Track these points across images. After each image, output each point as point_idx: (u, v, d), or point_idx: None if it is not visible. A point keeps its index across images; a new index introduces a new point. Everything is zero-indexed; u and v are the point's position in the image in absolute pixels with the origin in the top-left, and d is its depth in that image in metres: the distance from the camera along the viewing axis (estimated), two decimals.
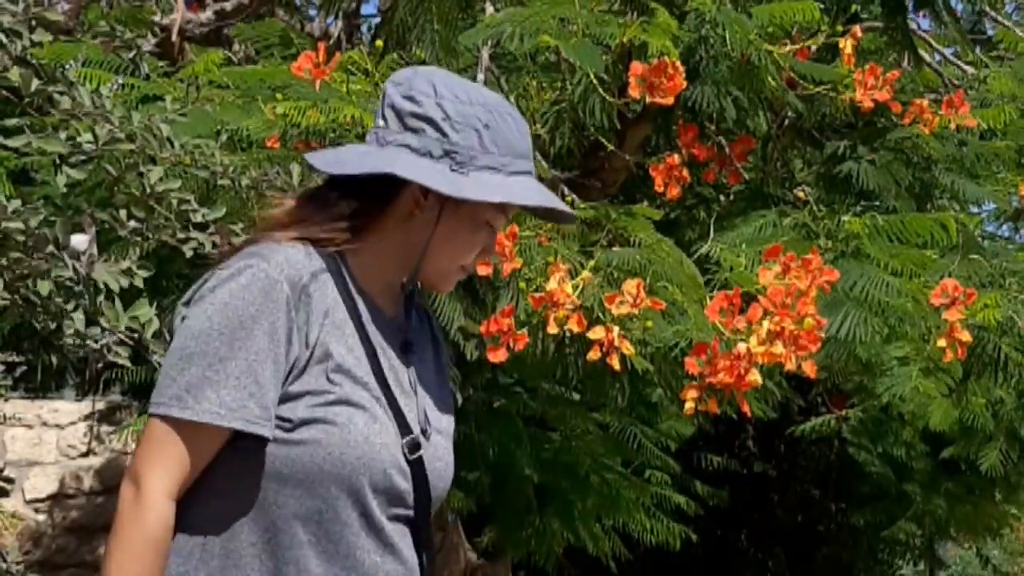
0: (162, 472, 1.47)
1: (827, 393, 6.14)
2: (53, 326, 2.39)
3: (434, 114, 1.56)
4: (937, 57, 5.00)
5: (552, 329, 3.11)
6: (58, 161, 2.45)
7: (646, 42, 3.49)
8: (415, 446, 1.57)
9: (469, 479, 4.74)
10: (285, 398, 1.51)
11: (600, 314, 3.15)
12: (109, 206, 2.68)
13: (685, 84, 3.49)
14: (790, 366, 3.07)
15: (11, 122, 2.46)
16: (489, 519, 5.13)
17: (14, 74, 2.39)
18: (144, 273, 2.54)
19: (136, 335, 2.43)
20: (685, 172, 3.86)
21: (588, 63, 3.50)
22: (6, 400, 4.14)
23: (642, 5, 3.70)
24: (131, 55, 3.45)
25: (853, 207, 4.18)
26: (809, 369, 3.10)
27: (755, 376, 3.04)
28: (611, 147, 3.91)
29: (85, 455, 6.98)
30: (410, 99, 1.58)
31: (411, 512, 1.59)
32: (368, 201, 1.59)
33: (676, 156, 3.86)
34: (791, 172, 4.82)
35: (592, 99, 3.69)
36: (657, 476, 5.41)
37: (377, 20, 5.53)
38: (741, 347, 3.03)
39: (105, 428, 6.78)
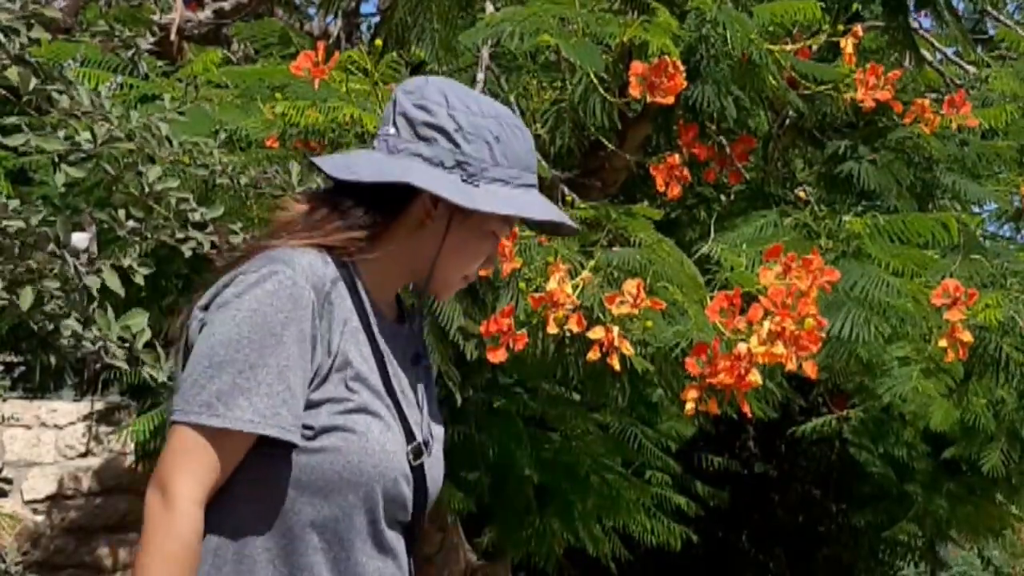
0: (191, 479, 1.45)
1: (828, 393, 6.14)
2: (51, 327, 2.38)
3: (447, 125, 1.58)
4: (939, 56, 4.99)
5: (552, 329, 3.10)
6: (56, 160, 2.44)
7: (646, 41, 3.48)
8: (418, 453, 1.58)
9: (469, 479, 4.73)
10: (307, 405, 1.51)
11: (600, 314, 3.14)
12: (107, 206, 2.67)
13: (686, 83, 3.48)
14: (791, 366, 3.06)
15: (9, 121, 2.46)
16: (489, 519, 5.12)
17: (12, 73, 2.38)
18: (145, 270, 2.53)
19: (128, 344, 2.42)
20: (686, 172, 3.85)
21: (588, 62, 3.49)
22: (5, 400, 4.13)
23: (642, 4, 3.70)
24: (130, 54, 3.44)
25: (854, 207, 4.18)
26: (810, 369, 3.09)
27: (756, 376, 3.03)
28: (611, 147, 3.90)
29: (84, 455, 6.97)
30: (423, 108, 1.58)
31: (408, 517, 1.60)
32: (381, 209, 1.59)
33: (677, 156, 3.86)
34: (792, 172, 4.81)
35: (592, 98, 3.69)
36: (657, 476, 5.40)
37: (376, 19, 5.52)
38: (742, 347, 3.03)
39: (104, 428, 6.77)
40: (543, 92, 4.02)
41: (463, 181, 1.57)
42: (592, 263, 3.31)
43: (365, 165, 1.59)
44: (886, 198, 4.18)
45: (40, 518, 6.79)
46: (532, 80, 4.13)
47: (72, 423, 6.95)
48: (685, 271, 3.48)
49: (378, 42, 3.43)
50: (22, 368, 5.75)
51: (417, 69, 4.13)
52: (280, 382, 1.46)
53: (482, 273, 1.73)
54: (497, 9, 3.91)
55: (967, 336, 3.48)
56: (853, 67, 3.95)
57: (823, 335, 3.13)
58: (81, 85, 2.58)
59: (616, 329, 3.08)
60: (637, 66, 3.48)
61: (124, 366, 2.42)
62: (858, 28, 3.99)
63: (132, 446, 4.92)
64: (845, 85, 3.97)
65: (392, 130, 1.60)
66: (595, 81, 3.59)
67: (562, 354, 3.28)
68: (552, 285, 3.10)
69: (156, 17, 4.56)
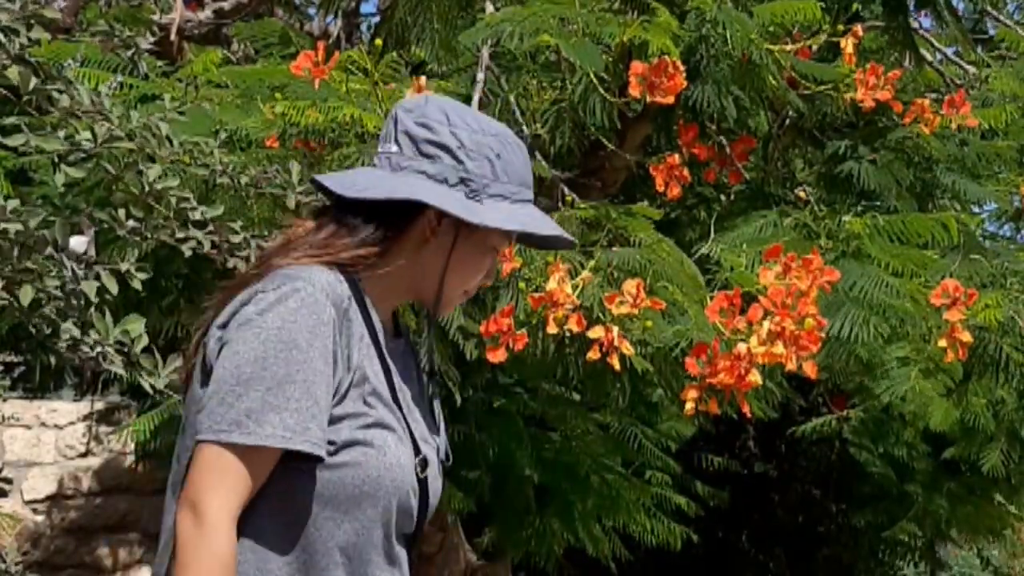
0: (223, 497, 1.46)
1: (828, 393, 6.13)
2: (48, 330, 2.37)
3: (449, 142, 1.61)
4: (939, 56, 4.99)
5: (552, 329, 3.10)
6: (56, 160, 2.44)
7: (646, 41, 3.48)
8: (424, 465, 1.61)
9: (469, 479, 4.73)
10: (329, 421, 1.53)
11: (600, 314, 3.14)
12: (108, 205, 2.67)
13: (686, 83, 3.48)
14: (791, 366, 3.06)
15: (9, 121, 2.46)
16: (489, 519, 5.12)
17: (12, 73, 2.38)
18: (142, 276, 2.53)
19: (126, 349, 2.42)
20: (685, 172, 3.85)
21: (588, 62, 3.49)
22: (5, 400, 4.13)
23: (642, 4, 3.70)
24: (129, 54, 3.44)
25: (854, 207, 4.18)
26: (810, 369, 3.09)
27: (755, 376, 3.03)
28: (611, 147, 3.90)
29: (84, 455, 6.98)
30: (425, 126, 1.62)
31: (413, 528, 1.63)
32: (387, 226, 1.61)
33: (676, 156, 3.85)
34: (792, 172, 4.81)
35: (592, 98, 3.69)
36: (657, 476, 5.40)
37: (376, 19, 5.52)
38: (741, 347, 3.03)
39: (104, 428, 6.77)
40: (543, 92, 4.02)
41: (467, 197, 1.60)
42: (592, 263, 3.31)
43: (371, 183, 1.61)
44: (886, 198, 4.18)
45: (40, 518, 6.79)
46: (532, 80, 4.13)
47: (72, 423, 6.95)
48: (685, 271, 3.48)
49: (378, 42, 3.42)
50: (22, 368, 5.75)
51: (417, 69, 4.13)
52: (308, 398, 1.48)
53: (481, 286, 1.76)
54: (497, 9, 3.91)
55: (967, 336, 3.48)
56: (853, 67, 3.95)
57: (823, 335, 3.13)
58: (81, 85, 2.57)
59: (616, 329, 3.08)
60: (637, 66, 3.48)
61: (122, 371, 2.42)
62: (858, 28, 3.99)
63: (132, 446, 4.93)
64: (845, 85, 3.97)
65: (394, 148, 1.63)
66: (595, 81, 3.59)
67: (562, 354, 3.28)
68: (552, 285, 3.10)
69: (156, 17, 4.56)
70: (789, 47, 3.86)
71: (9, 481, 6.29)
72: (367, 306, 1.60)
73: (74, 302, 2.37)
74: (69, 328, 2.36)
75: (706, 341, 3.08)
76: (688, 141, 3.92)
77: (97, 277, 2.41)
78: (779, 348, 3.02)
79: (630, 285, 3.11)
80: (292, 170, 2.78)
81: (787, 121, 4.44)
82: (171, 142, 2.60)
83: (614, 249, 3.45)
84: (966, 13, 6.52)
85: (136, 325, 2.44)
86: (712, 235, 3.91)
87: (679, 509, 5.43)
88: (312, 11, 6.26)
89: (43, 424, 6.90)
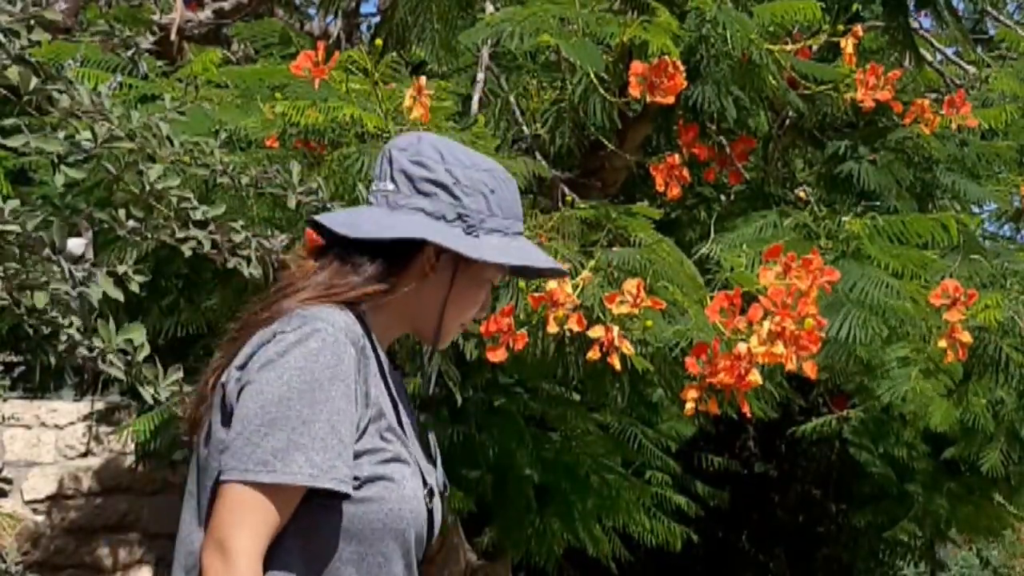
0: (250, 535, 1.49)
1: (828, 393, 6.14)
2: (47, 331, 2.37)
3: (446, 179, 1.65)
4: (939, 56, 4.99)
5: (552, 329, 3.10)
6: (56, 161, 2.44)
7: (646, 41, 3.48)
8: (431, 495, 1.65)
9: (469, 479, 4.73)
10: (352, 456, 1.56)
11: (600, 314, 3.14)
12: (108, 206, 2.67)
13: (686, 83, 3.48)
14: (791, 366, 3.06)
15: (9, 122, 2.45)
16: (489, 519, 5.12)
17: (12, 73, 2.37)
18: (140, 278, 2.52)
19: (129, 358, 2.42)
20: (685, 172, 3.86)
21: (588, 62, 3.49)
22: (5, 400, 4.13)
23: (642, 4, 3.70)
24: (129, 54, 3.44)
25: (854, 207, 4.17)
26: (810, 369, 3.09)
27: (756, 376, 3.03)
28: (611, 147, 3.90)
29: (84, 456, 6.98)
30: (420, 164, 1.66)
31: (420, 556, 1.66)
32: (390, 263, 1.65)
33: (676, 156, 3.86)
34: (792, 172, 4.81)
35: (592, 98, 3.69)
36: (657, 477, 5.40)
37: (376, 19, 5.52)
38: (741, 347, 3.03)
39: (104, 428, 6.77)
40: (543, 92, 4.03)
41: (465, 233, 1.65)
42: (592, 263, 3.31)
43: (373, 221, 1.65)
44: (886, 198, 4.18)
45: (40, 518, 6.79)
46: (532, 80, 4.13)
47: (72, 423, 6.95)
48: (685, 271, 3.48)
49: (378, 42, 3.42)
50: (22, 368, 5.75)
51: (417, 69, 4.13)
52: (333, 435, 1.51)
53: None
54: (497, 9, 3.91)
55: (966, 337, 3.48)
56: (853, 67, 3.95)
57: (823, 335, 3.13)
58: (81, 85, 2.57)
59: (616, 328, 3.09)
60: (637, 66, 3.48)
61: (121, 376, 2.42)
62: (858, 28, 3.99)
63: (132, 446, 4.93)
64: (845, 85, 3.97)
65: (391, 186, 1.67)
66: (595, 81, 3.59)
67: (562, 354, 3.28)
68: (552, 284, 3.10)
69: (156, 17, 4.56)
70: (789, 47, 3.86)
71: (9, 481, 6.29)
72: (374, 341, 1.64)
73: (76, 305, 2.37)
74: (70, 332, 2.36)
75: (706, 341, 3.08)
76: (688, 141, 3.93)
77: (93, 279, 2.41)
78: (779, 348, 3.02)
79: (630, 285, 3.11)
80: (292, 170, 2.78)
81: (787, 121, 4.44)
82: (171, 142, 2.60)
83: (614, 249, 3.45)
84: (966, 13, 6.52)
85: (138, 333, 2.44)
86: (712, 235, 3.91)
87: (679, 509, 5.43)
88: (312, 11, 6.26)
89: (43, 424, 6.90)
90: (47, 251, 2.35)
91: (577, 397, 4.90)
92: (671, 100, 3.49)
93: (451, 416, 4.65)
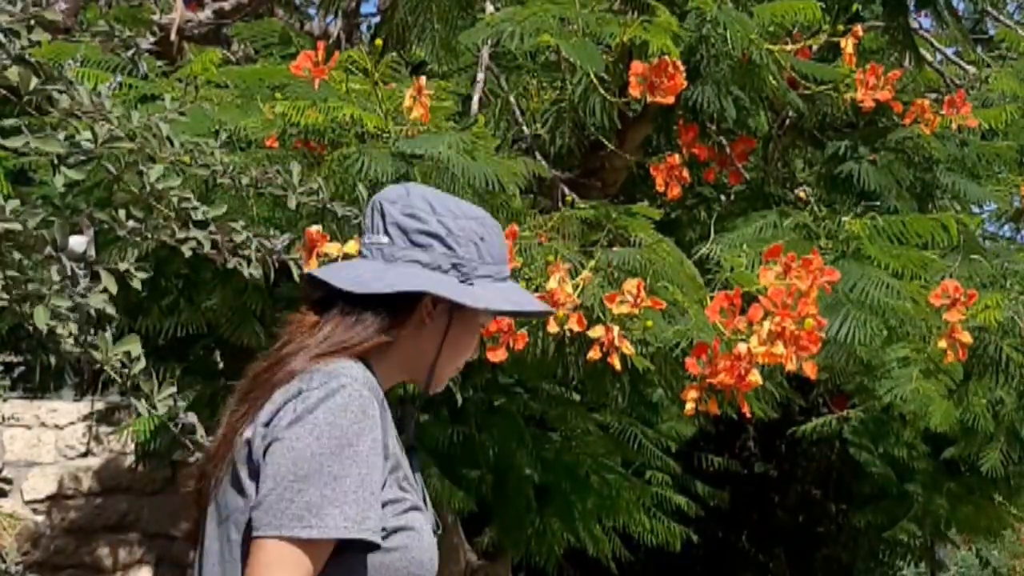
0: None
1: (828, 394, 6.13)
2: (46, 332, 2.37)
3: (439, 230, 1.70)
4: (939, 57, 4.99)
5: (552, 329, 3.10)
6: (56, 161, 2.44)
7: (647, 41, 3.48)
8: (436, 536, 1.69)
9: (469, 479, 4.73)
10: None
11: (600, 314, 3.14)
12: (108, 206, 2.67)
13: (686, 83, 3.48)
14: (791, 366, 3.06)
15: (9, 122, 2.45)
16: (489, 519, 5.12)
17: (13, 73, 2.38)
18: (142, 275, 2.53)
19: (126, 369, 2.43)
20: (685, 172, 3.86)
21: (588, 62, 3.49)
22: (5, 400, 4.13)
23: (642, 4, 3.70)
24: (129, 54, 3.43)
25: (854, 207, 4.17)
26: (810, 370, 3.09)
27: (756, 376, 3.03)
28: (611, 147, 3.90)
29: (84, 455, 6.98)
30: (413, 217, 1.70)
31: None
32: (391, 315, 1.69)
33: (677, 156, 3.86)
34: (792, 172, 4.81)
35: (592, 98, 3.69)
36: (658, 477, 5.40)
37: (376, 19, 5.52)
38: (742, 347, 3.03)
39: (104, 428, 6.77)
40: (543, 92, 4.03)
41: (460, 281, 1.70)
42: (592, 263, 3.31)
43: (372, 277, 1.68)
44: (886, 198, 4.18)
45: (40, 518, 6.80)
46: (532, 80, 4.13)
47: (72, 423, 6.96)
48: (685, 271, 3.48)
49: (378, 42, 3.42)
50: (22, 368, 5.75)
51: (417, 69, 4.13)
52: (363, 489, 1.55)
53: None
54: (497, 9, 3.91)
55: (966, 337, 3.48)
56: (853, 67, 3.95)
57: (823, 335, 3.13)
58: (81, 85, 2.57)
59: (616, 328, 3.08)
60: (637, 66, 3.48)
61: (119, 379, 2.43)
62: (858, 28, 3.99)
63: (132, 446, 4.93)
64: (845, 85, 3.97)
65: (385, 239, 1.70)
66: (595, 81, 3.59)
67: (562, 354, 3.28)
68: (552, 284, 3.10)
69: (156, 17, 4.55)
70: (789, 47, 3.86)
71: (9, 481, 6.30)
72: (380, 391, 1.67)
73: (75, 316, 2.37)
74: (68, 341, 2.36)
75: (706, 341, 3.08)
76: (688, 141, 3.93)
77: (96, 276, 2.41)
78: (779, 348, 3.02)
79: (630, 285, 3.11)
80: (293, 170, 2.78)
81: (787, 121, 4.44)
82: (171, 142, 2.60)
83: (614, 249, 3.45)
84: (966, 13, 6.52)
85: (135, 345, 2.45)
86: (712, 235, 3.91)
87: (679, 509, 5.43)
88: (312, 11, 6.26)
89: (43, 424, 6.90)
90: (48, 249, 2.35)
91: (577, 397, 4.90)
92: (671, 100, 3.49)
93: (451, 416, 4.66)
